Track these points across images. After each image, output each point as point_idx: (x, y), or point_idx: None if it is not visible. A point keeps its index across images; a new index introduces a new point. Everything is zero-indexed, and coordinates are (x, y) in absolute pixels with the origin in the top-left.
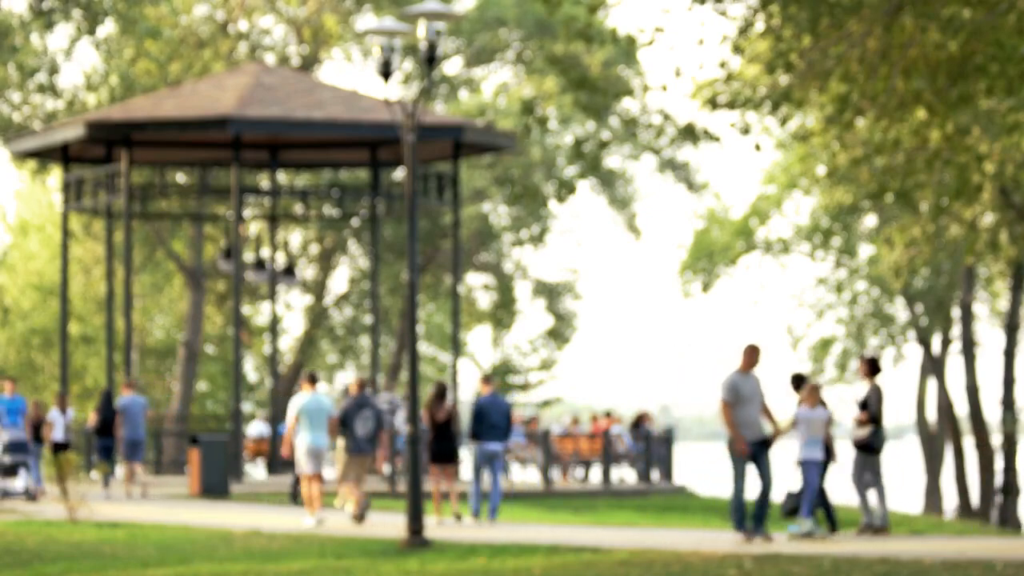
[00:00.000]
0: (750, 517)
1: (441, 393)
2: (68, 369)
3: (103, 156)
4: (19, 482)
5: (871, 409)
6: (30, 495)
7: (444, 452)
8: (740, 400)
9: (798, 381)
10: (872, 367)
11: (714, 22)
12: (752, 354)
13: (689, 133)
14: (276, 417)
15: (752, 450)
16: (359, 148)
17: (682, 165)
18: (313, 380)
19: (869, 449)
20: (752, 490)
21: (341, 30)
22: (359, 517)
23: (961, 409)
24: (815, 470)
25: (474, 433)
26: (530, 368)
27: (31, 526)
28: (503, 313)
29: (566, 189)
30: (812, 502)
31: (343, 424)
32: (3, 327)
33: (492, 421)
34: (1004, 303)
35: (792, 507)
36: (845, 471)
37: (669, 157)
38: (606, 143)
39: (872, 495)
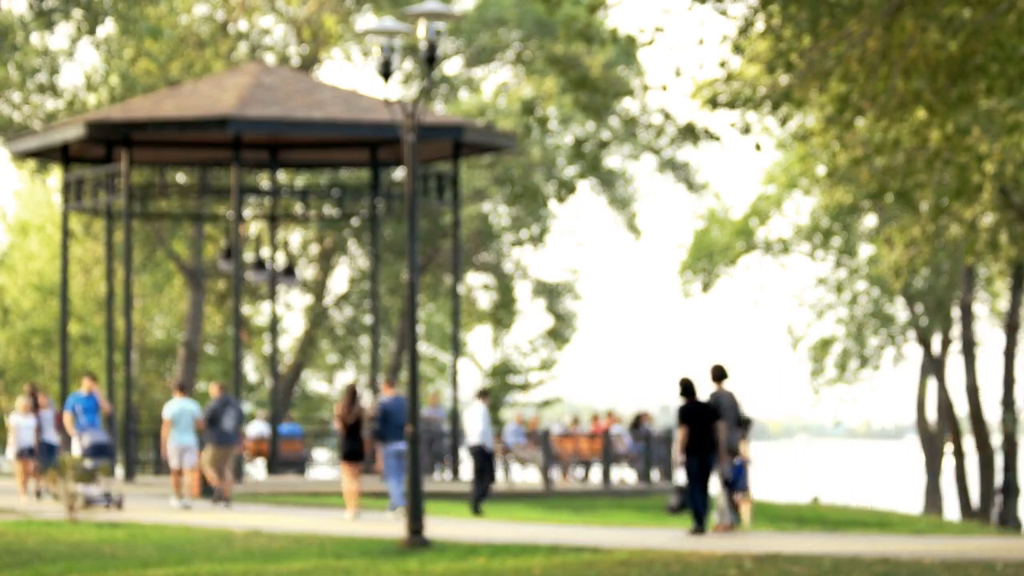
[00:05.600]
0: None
1: (352, 396)
2: (68, 369)
3: (103, 156)
4: (98, 487)
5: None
6: (112, 501)
7: (354, 451)
8: None
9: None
10: (715, 373)
11: (714, 22)
12: None
13: (689, 133)
14: (276, 417)
15: None
16: (359, 148)
17: (682, 165)
18: (182, 388)
19: None
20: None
21: (341, 30)
22: (219, 499)
23: (961, 409)
24: None
25: (380, 434)
26: (530, 368)
27: (31, 526)
28: (503, 313)
29: (566, 189)
30: None
31: (212, 421)
32: (3, 327)
33: (397, 422)
34: (1004, 303)
35: (680, 504)
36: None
37: (669, 157)
38: (606, 143)
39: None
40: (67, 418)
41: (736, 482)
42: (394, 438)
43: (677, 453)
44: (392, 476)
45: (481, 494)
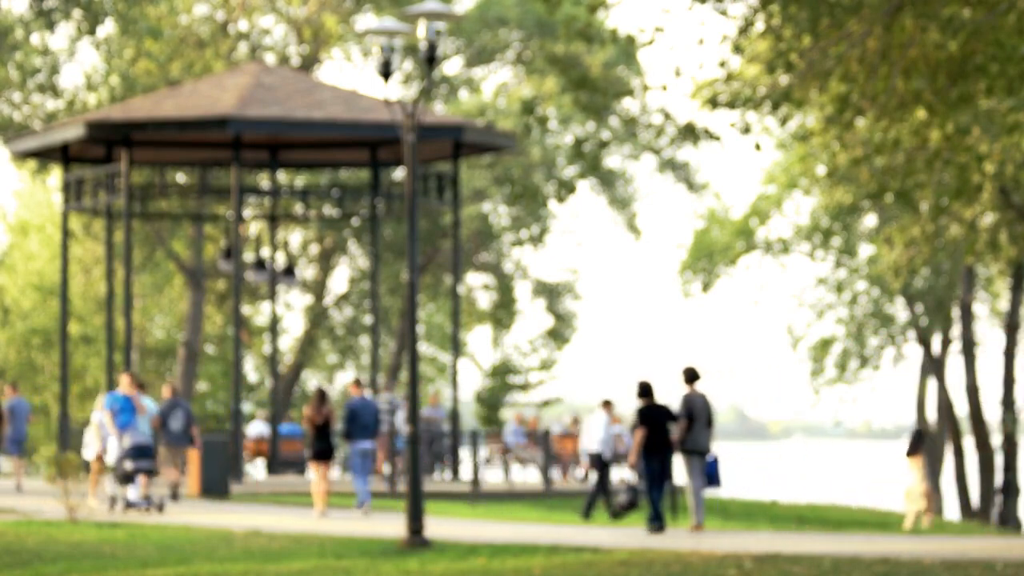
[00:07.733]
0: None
1: (322, 398)
2: (68, 369)
3: (103, 156)
4: (137, 490)
5: (681, 413)
6: (153, 504)
7: (323, 451)
8: None
9: None
10: (688, 375)
11: (714, 22)
12: None
13: (689, 133)
14: (276, 417)
15: None
16: (359, 148)
17: (682, 165)
18: (140, 386)
19: (683, 450)
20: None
21: (341, 30)
22: (173, 496)
23: (961, 409)
24: None
25: (348, 433)
26: (530, 368)
27: (31, 526)
28: (503, 313)
29: (566, 189)
30: None
31: (162, 422)
32: (3, 327)
33: (363, 422)
34: (1004, 303)
35: (629, 502)
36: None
37: (669, 157)
38: (606, 143)
39: (693, 493)
40: (106, 417)
41: (711, 480)
42: (360, 437)
43: (633, 454)
44: (358, 474)
45: (605, 500)
